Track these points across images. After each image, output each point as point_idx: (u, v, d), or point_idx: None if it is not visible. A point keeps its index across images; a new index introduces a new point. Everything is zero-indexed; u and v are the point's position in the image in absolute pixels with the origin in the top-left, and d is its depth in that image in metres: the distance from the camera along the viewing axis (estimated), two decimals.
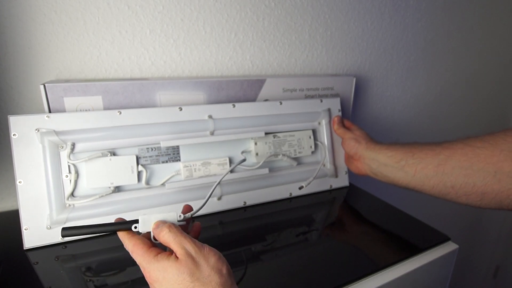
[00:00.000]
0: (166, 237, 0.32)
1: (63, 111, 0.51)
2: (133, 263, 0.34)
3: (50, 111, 0.50)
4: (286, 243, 0.50)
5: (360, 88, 0.82)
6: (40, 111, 0.54)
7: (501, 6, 1.01)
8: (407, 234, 0.55)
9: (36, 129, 0.46)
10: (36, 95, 0.55)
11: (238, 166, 0.58)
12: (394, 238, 0.54)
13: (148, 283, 0.32)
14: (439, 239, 0.52)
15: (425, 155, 0.49)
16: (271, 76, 0.66)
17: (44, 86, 0.49)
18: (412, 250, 0.49)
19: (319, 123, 0.66)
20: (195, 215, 0.37)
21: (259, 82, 0.63)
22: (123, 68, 0.59)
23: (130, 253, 0.32)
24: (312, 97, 0.69)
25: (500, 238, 1.34)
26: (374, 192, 0.67)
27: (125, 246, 0.33)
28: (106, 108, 0.53)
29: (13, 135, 0.45)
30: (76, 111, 0.51)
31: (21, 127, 0.46)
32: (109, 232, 0.35)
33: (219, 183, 0.42)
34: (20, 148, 0.45)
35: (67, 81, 0.53)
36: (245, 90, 0.62)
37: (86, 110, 0.52)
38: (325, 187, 0.67)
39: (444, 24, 0.91)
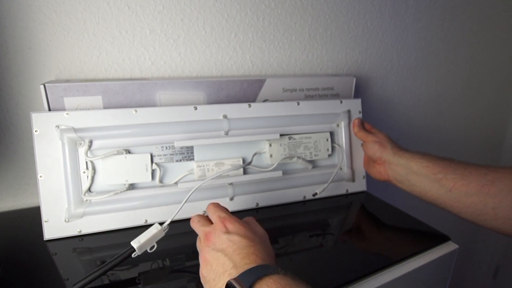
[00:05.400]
0: (252, 219, 0.42)
1: (63, 111, 0.51)
2: (145, 258, 0.43)
3: (50, 111, 0.50)
4: (300, 247, 0.50)
5: (360, 88, 0.82)
6: (40, 111, 0.54)
7: (501, 6, 1.01)
8: (407, 234, 0.55)
9: (56, 126, 0.48)
10: (36, 95, 0.55)
11: (251, 167, 0.59)
12: (394, 238, 0.54)
13: (224, 227, 0.38)
14: (439, 239, 0.52)
15: (469, 173, 0.48)
16: (271, 76, 0.66)
17: (44, 86, 0.49)
18: (412, 250, 0.49)
19: (338, 125, 0.65)
20: (175, 219, 0.44)
21: (259, 82, 0.63)
22: (123, 68, 0.59)
23: (218, 212, 0.41)
24: (312, 97, 0.69)
25: (500, 238, 1.34)
26: (374, 192, 0.67)
27: (211, 208, 0.42)
28: (106, 108, 0.53)
29: (35, 131, 0.47)
30: (77, 110, 0.51)
31: (42, 123, 0.48)
32: (114, 266, 0.40)
33: (199, 186, 0.46)
34: (41, 144, 0.48)
35: (67, 81, 0.53)
36: (245, 90, 0.62)
37: (86, 109, 0.52)
38: (341, 191, 0.65)
39: (444, 24, 0.91)
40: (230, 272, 0.34)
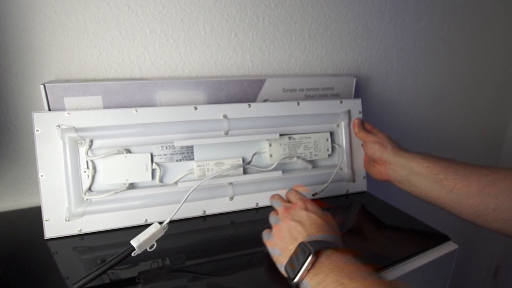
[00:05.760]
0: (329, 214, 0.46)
1: (64, 110, 0.51)
2: (145, 258, 0.43)
3: (51, 111, 0.50)
4: None
5: (360, 88, 0.82)
6: (41, 111, 0.55)
7: (501, 6, 1.01)
8: (407, 234, 0.55)
9: (57, 126, 0.48)
10: (36, 95, 0.55)
11: (251, 167, 0.59)
12: (394, 238, 0.54)
13: (305, 206, 0.44)
14: (439, 239, 0.52)
15: (470, 173, 0.48)
16: (271, 76, 0.66)
17: (44, 86, 0.49)
18: (412, 250, 0.49)
19: (338, 125, 0.65)
20: (175, 218, 0.45)
21: (259, 82, 0.63)
22: (123, 68, 0.59)
23: (300, 195, 0.47)
24: (312, 97, 0.69)
25: (500, 239, 1.34)
26: (374, 193, 0.67)
27: (293, 193, 0.48)
28: (106, 108, 0.53)
29: (36, 130, 0.48)
30: (78, 110, 0.51)
31: (43, 123, 0.48)
32: (114, 265, 0.40)
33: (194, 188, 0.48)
34: (42, 143, 0.48)
35: (67, 81, 0.53)
36: (245, 90, 0.62)
37: (87, 109, 0.52)
38: (342, 191, 0.65)
39: (444, 24, 0.91)
40: (304, 239, 0.39)
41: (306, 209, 0.43)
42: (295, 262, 0.36)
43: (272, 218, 0.46)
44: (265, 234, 0.45)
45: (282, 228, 0.42)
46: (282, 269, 0.39)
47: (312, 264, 0.35)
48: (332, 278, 0.33)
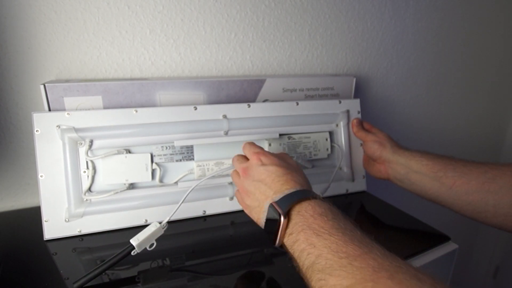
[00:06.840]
0: (284, 153, 0.46)
1: (64, 111, 0.51)
2: (145, 258, 0.43)
3: (51, 111, 0.50)
4: None
5: (360, 88, 0.82)
6: (41, 111, 0.55)
7: (501, 6, 1.01)
8: (407, 234, 0.55)
9: (57, 126, 0.48)
10: (36, 95, 0.55)
11: None
12: (394, 238, 0.54)
13: (260, 161, 0.43)
14: (439, 239, 0.52)
15: (469, 170, 0.49)
16: (271, 76, 0.66)
17: (44, 86, 0.49)
18: (412, 250, 0.49)
19: (337, 125, 0.65)
20: (175, 218, 0.47)
21: (259, 82, 0.63)
22: (123, 68, 0.59)
23: (253, 148, 0.45)
24: (312, 97, 0.69)
25: (500, 238, 1.34)
26: (373, 192, 0.67)
27: (246, 147, 0.46)
28: (106, 108, 0.53)
29: (36, 131, 0.48)
30: (78, 110, 0.51)
31: (43, 123, 0.48)
32: (114, 264, 0.40)
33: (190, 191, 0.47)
34: (42, 144, 0.48)
35: (67, 81, 0.53)
36: (245, 90, 0.62)
37: (87, 109, 0.52)
38: (341, 191, 0.65)
39: (444, 24, 0.91)
40: (272, 198, 0.38)
41: (263, 164, 0.42)
42: (269, 228, 0.37)
43: (236, 181, 0.46)
44: (237, 194, 0.46)
45: (249, 191, 0.42)
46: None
47: (286, 224, 0.36)
48: (303, 236, 0.34)
